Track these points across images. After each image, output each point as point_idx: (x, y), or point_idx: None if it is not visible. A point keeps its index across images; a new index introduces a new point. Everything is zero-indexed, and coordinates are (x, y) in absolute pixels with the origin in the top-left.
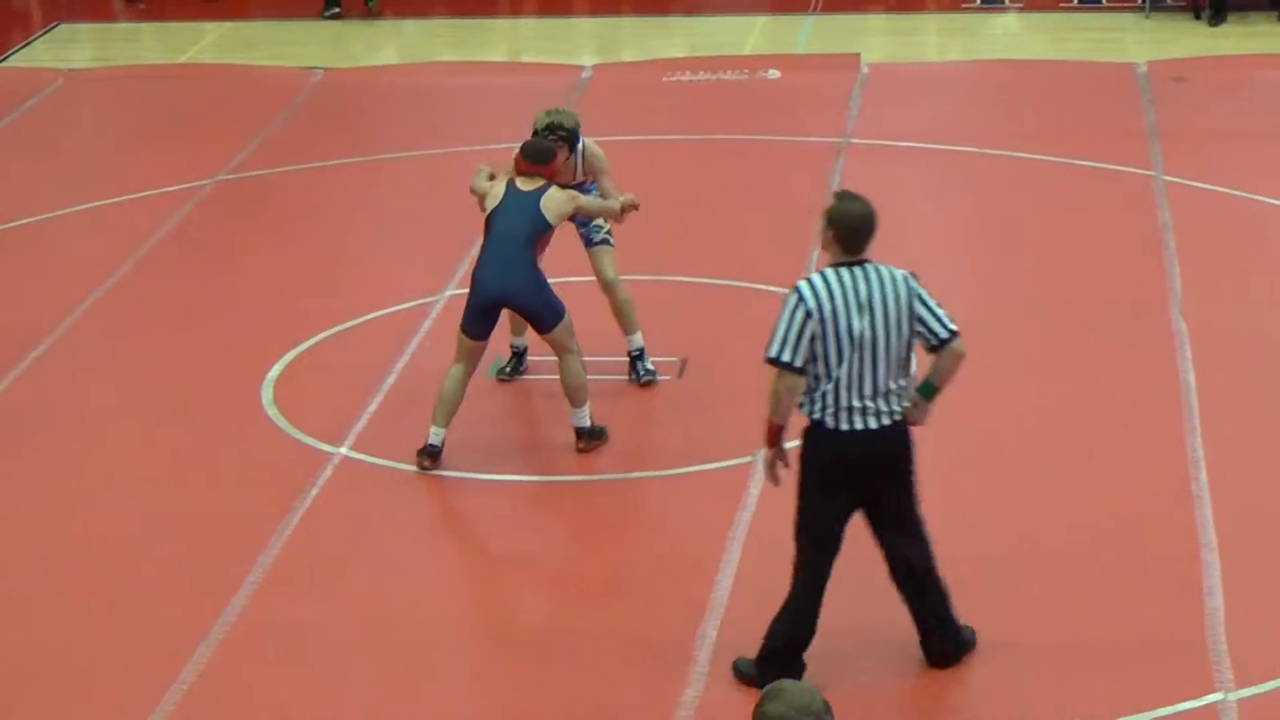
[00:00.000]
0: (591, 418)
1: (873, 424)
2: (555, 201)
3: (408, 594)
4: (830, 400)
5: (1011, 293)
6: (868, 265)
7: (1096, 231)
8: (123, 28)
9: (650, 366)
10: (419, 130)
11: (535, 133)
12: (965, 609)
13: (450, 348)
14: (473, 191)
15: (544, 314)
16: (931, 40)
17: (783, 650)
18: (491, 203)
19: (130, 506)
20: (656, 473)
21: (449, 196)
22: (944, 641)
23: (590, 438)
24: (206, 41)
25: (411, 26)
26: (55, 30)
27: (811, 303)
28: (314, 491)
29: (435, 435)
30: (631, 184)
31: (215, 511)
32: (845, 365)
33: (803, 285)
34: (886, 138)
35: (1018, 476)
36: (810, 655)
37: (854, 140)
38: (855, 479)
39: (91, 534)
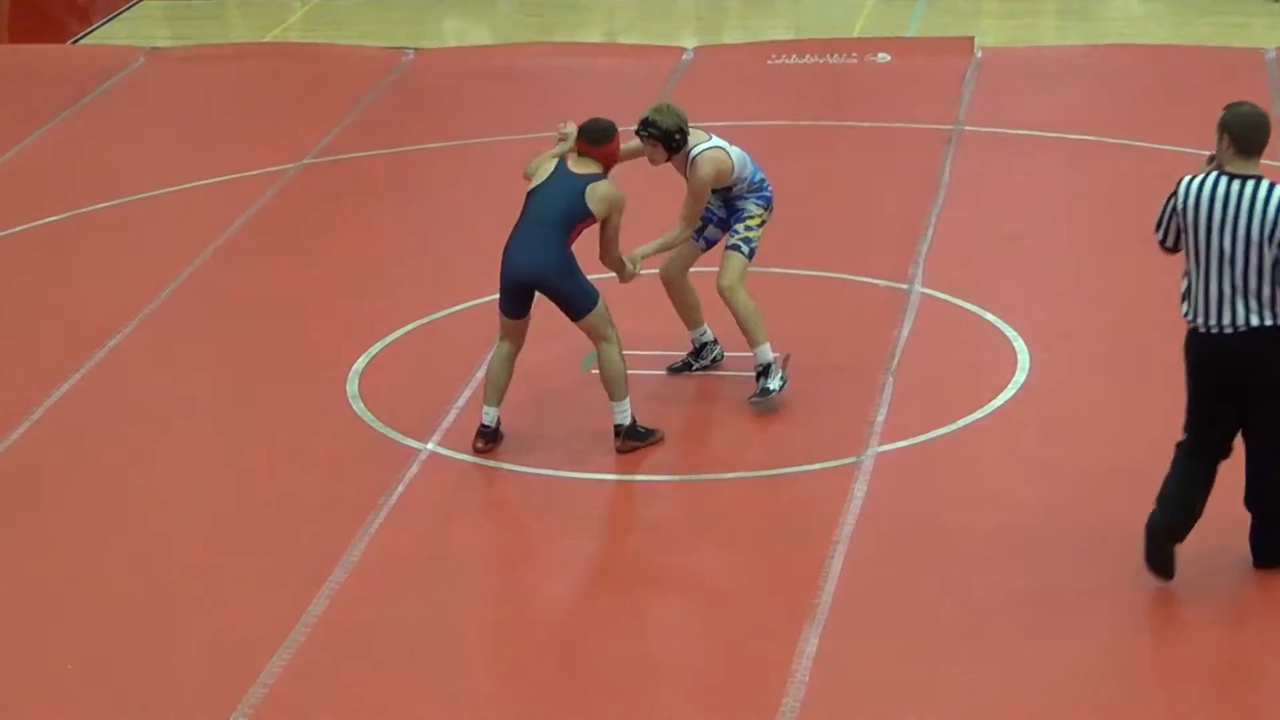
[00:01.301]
0: (634, 416)
1: (1229, 328)
2: (600, 195)
3: (495, 594)
4: (1198, 303)
5: (1132, 291)
6: (1253, 181)
7: None
8: (206, 4)
9: (772, 385)
10: (512, 114)
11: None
12: None
13: (543, 338)
14: (525, 174)
15: (575, 299)
16: (1049, 24)
17: (1159, 533)
18: (538, 179)
19: (212, 501)
20: (759, 473)
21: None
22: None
23: (631, 437)
24: (293, 19)
25: (506, 5)
26: (137, 6)
27: (1181, 199)
28: (400, 488)
29: (487, 415)
30: None
31: (299, 507)
32: (1207, 270)
33: (1184, 180)
34: (1001, 125)
35: None
36: None
37: (967, 128)
38: (1222, 382)
39: (172, 529)
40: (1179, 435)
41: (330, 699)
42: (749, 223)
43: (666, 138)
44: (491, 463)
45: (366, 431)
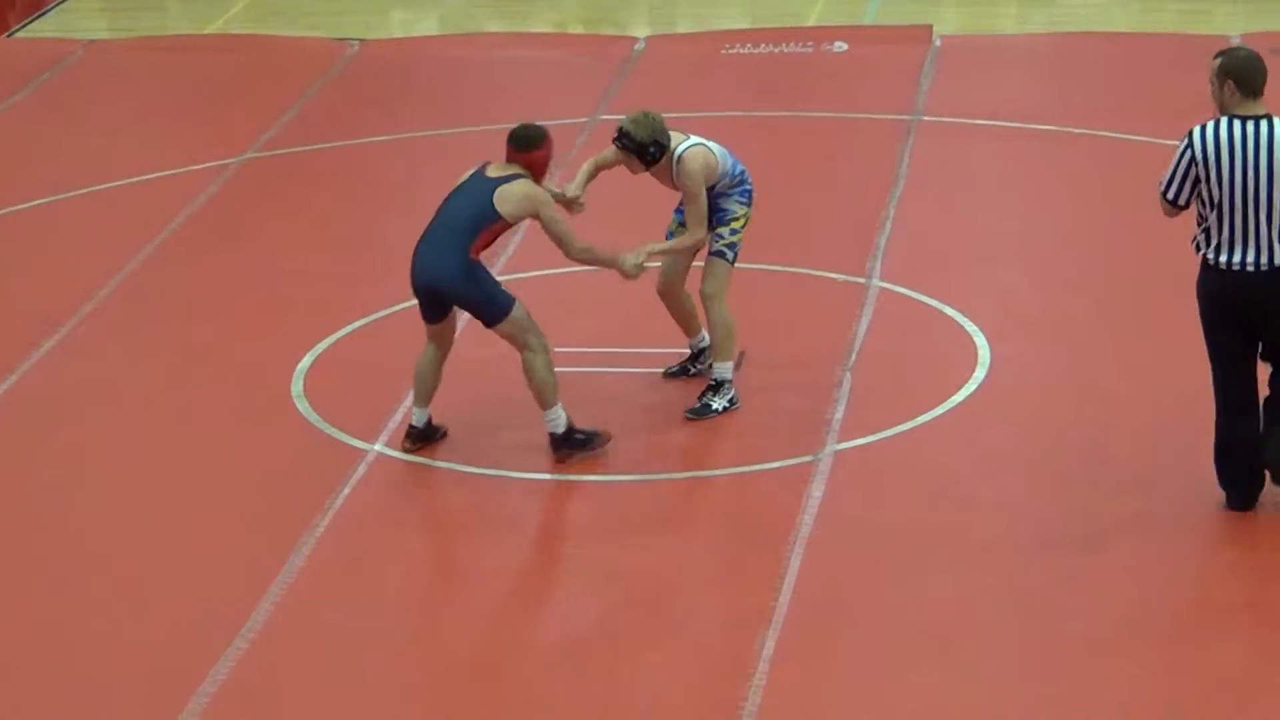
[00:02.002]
0: (571, 423)
1: (1252, 266)
2: (513, 195)
3: (443, 599)
4: (1221, 243)
5: (1097, 283)
6: (1263, 120)
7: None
8: None
9: (715, 406)
10: (460, 106)
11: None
12: None
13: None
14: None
15: (482, 308)
16: (1010, 11)
17: (1233, 460)
18: (460, 180)
19: (150, 506)
20: (711, 472)
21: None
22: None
23: (567, 445)
24: (235, 10)
25: None
26: None
27: (1198, 149)
28: (346, 490)
29: (416, 416)
30: None
31: (242, 512)
32: (1231, 212)
33: (1194, 131)
34: (961, 115)
35: None
36: None
37: (925, 118)
38: (1241, 314)
39: (109, 536)
40: (1144, 428)
41: (270, 713)
42: (733, 225)
43: (640, 150)
44: (442, 463)
45: (311, 432)
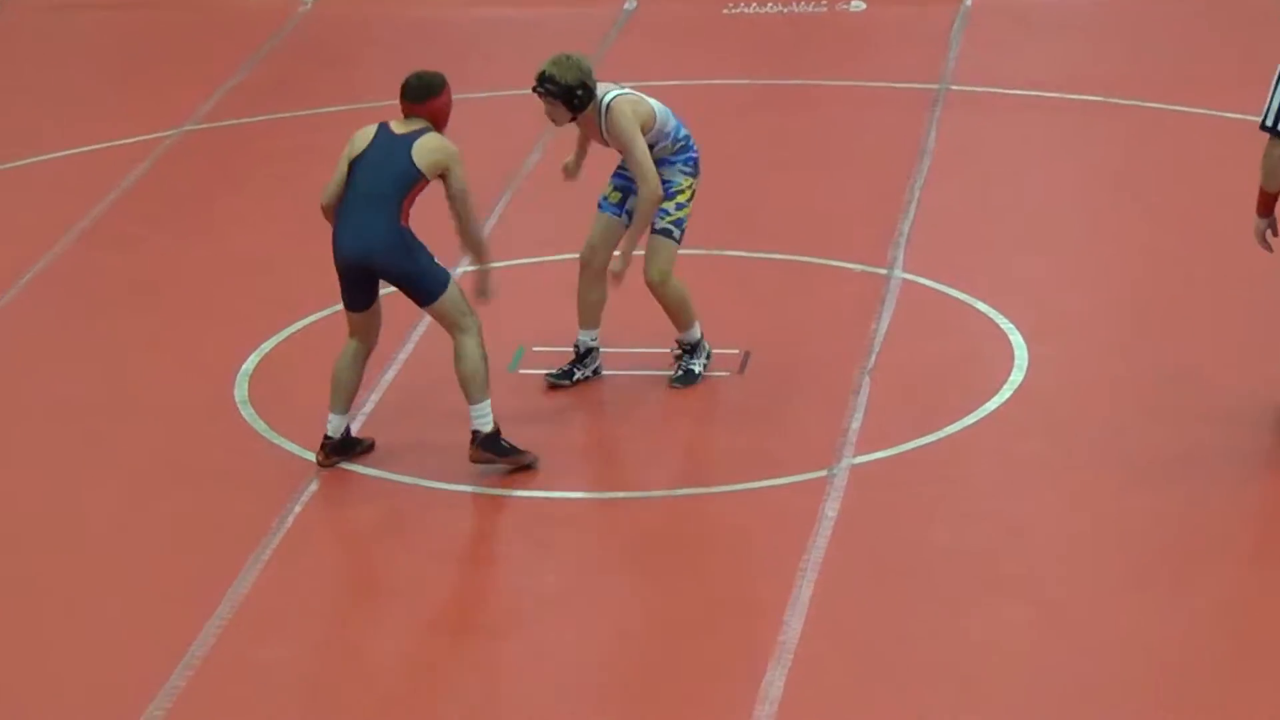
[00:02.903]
0: (497, 423)
1: None
2: (429, 147)
3: (403, 628)
4: None
5: (1143, 273)
6: None
7: (1248, 192)
8: None
9: (695, 368)
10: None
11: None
12: None
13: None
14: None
15: (416, 280)
16: None
17: None
18: (357, 146)
19: (81, 524)
20: (713, 489)
21: (465, 153)
22: None
23: (488, 448)
24: None
25: None
26: None
27: None
28: (296, 509)
29: (331, 424)
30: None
31: (181, 531)
32: None
33: None
34: (993, 84)
35: None
36: None
37: (954, 87)
38: None
39: (36, 559)
40: (1196, 437)
41: None
42: (678, 199)
43: (566, 94)
44: (405, 478)
45: (257, 442)
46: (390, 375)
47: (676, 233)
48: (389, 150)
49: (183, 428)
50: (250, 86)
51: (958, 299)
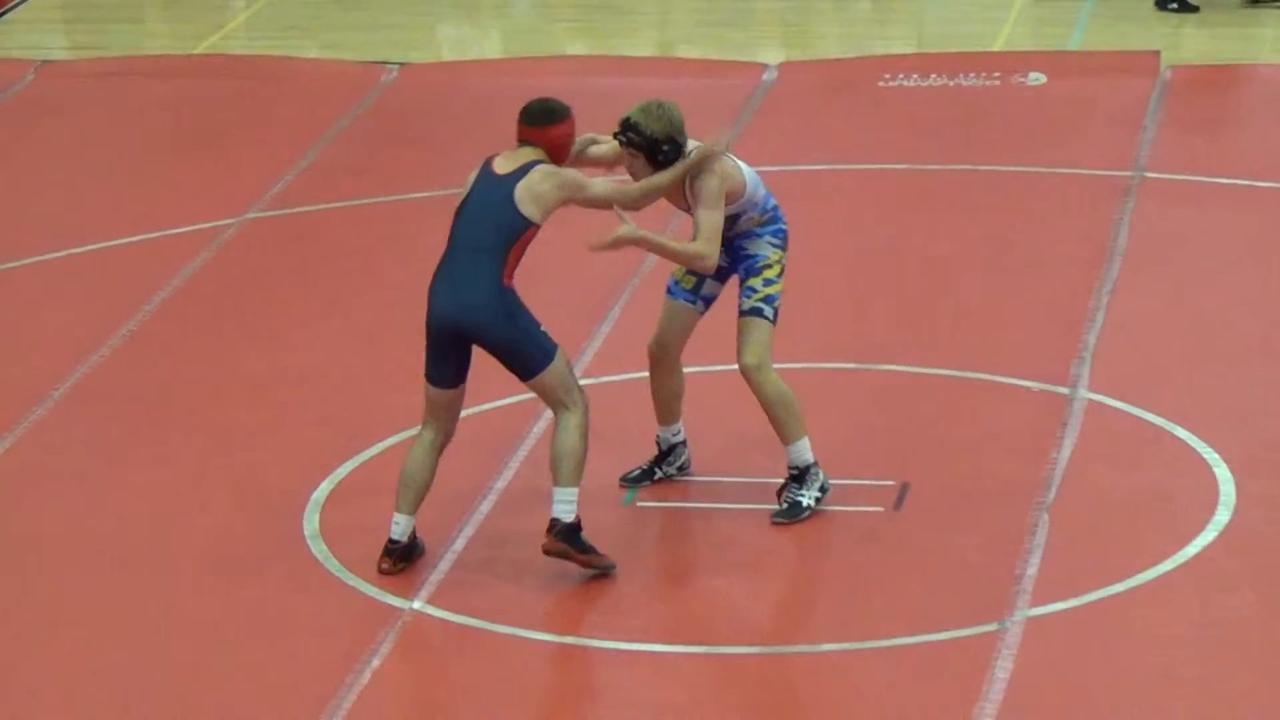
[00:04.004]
0: (578, 517)
1: None
2: (533, 185)
3: None
4: None
5: None
6: None
7: None
8: (119, 2)
9: (804, 500)
10: None
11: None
12: None
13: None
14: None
15: (519, 350)
16: (1268, 35)
17: None
18: (465, 191)
19: (136, 680)
20: (863, 644)
21: (573, 243)
22: None
23: (567, 541)
24: (235, 24)
25: (523, 5)
26: (25, 5)
27: None
28: (374, 661)
29: (398, 527)
30: (829, 229)
31: (242, 689)
32: None
33: None
34: (1197, 171)
35: None
36: None
37: (1150, 174)
38: None
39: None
40: None
41: None
42: (766, 274)
43: (651, 147)
44: (502, 628)
45: (330, 583)
46: (485, 506)
47: (768, 311)
48: (489, 194)
49: (244, 567)
50: (323, 167)
51: (1153, 423)
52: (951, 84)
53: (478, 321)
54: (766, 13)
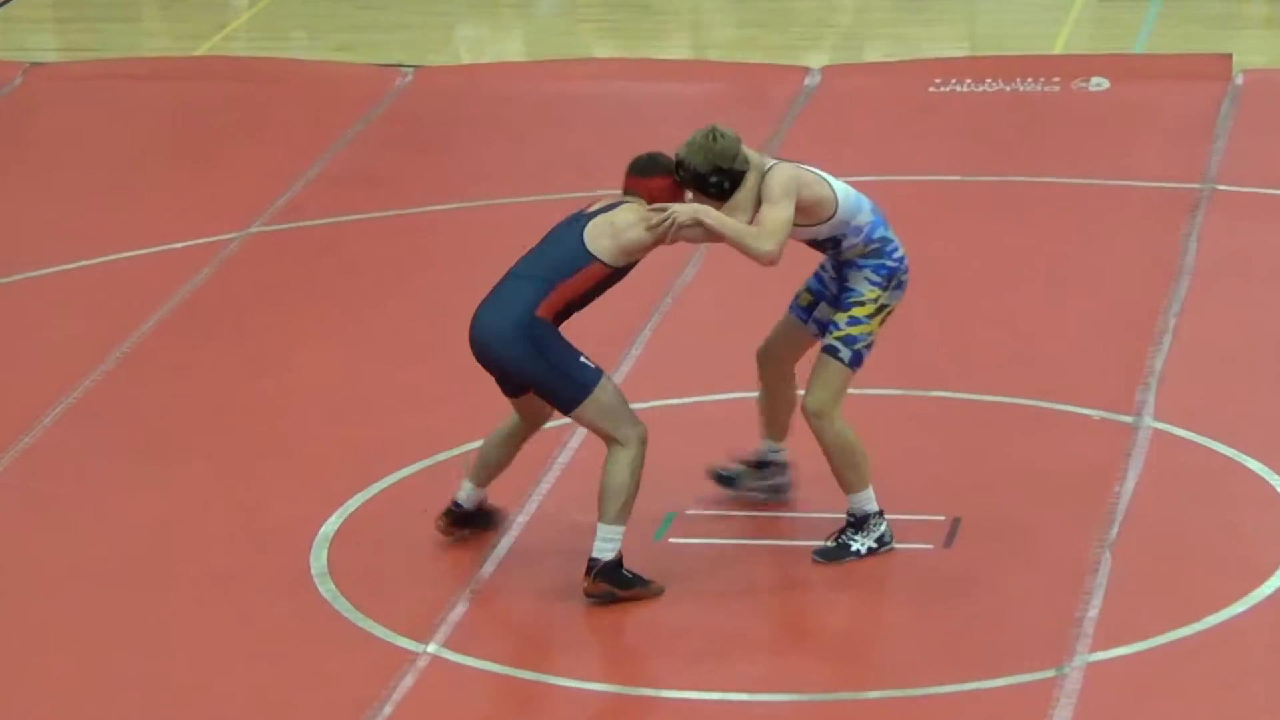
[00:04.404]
0: (621, 555)
1: None
2: (615, 217)
3: None
4: None
5: None
6: None
7: None
8: (115, 1)
9: (856, 546)
10: (552, 161)
11: None
12: None
13: (589, 482)
14: None
15: (548, 384)
16: None
17: None
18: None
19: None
20: (913, 691)
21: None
22: None
23: (609, 581)
24: (238, 23)
25: (546, 4)
26: (13, 3)
27: None
28: (386, 709)
29: (463, 492)
30: None
31: None
32: None
33: None
34: (1271, 184)
35: None
36: None
37: (1220, 187)
38: None
39: None
40: None
41: None
42: (855, 311)
43: (699, 183)
44: (524, 673)
45: (339, 625)
46: (506, 542)
47: (844, 352)
48: (568, 227)
49: (246, 608)
50: (334, 177)
51: (1223, 454)
52: (1007, 89)
53: (500, 351)
54: (807, 12)
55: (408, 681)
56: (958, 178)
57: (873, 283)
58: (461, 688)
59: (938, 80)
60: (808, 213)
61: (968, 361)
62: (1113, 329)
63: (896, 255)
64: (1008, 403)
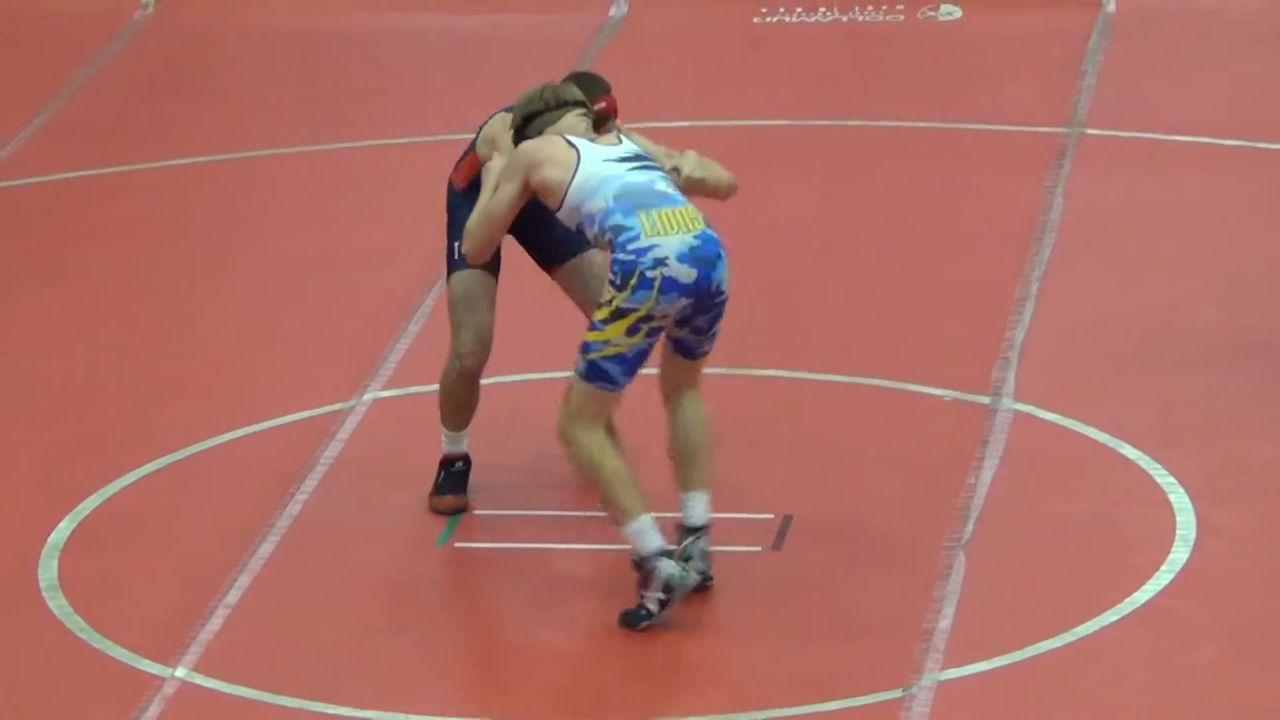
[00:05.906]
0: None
1: None
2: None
3: None
4: None
5: None
6: None
7: None
8: None
9: (650, 602)
10: (324, 108)
11: None
12: None
13: (372, 477)
14: None
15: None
16: None
17: None
18: None
19: None
20: (740, 716)
21: (381, 222)
22: None
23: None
24: None
25: None
26: None
27: None
28: None
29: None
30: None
31: None
32: None
33: None
34: (1144, 128)
35: None
36: None
37: (1090, 131)
38: None
39: None
40: None
41: None
42: (595, 315)
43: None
44: (287, 700)
45: (72, 645)
46: (265, 549)
47: (579, 364)
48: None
49: None
50: (61, 128)
51: (1094, 440)
52: (844, 19)
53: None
54: None
55: (153, 711)
56: (787, 122)
57: (610, 283)
58: (214, 717)
59: (764, 10)
60: (544, 195)
61: (801, 336)
62: (966, 297)
63: (633, 247)
64: (847, 382)
